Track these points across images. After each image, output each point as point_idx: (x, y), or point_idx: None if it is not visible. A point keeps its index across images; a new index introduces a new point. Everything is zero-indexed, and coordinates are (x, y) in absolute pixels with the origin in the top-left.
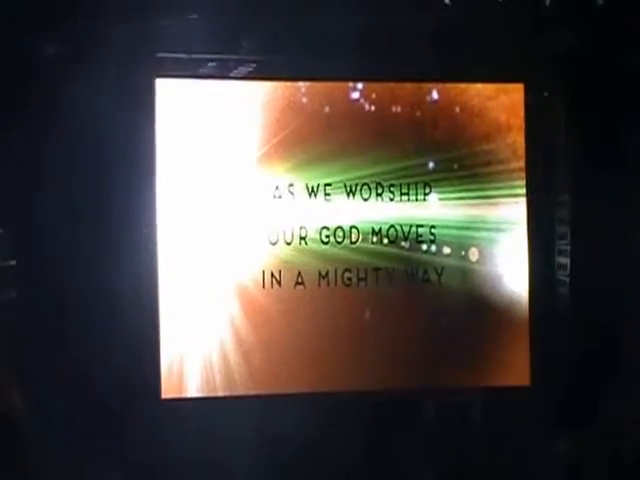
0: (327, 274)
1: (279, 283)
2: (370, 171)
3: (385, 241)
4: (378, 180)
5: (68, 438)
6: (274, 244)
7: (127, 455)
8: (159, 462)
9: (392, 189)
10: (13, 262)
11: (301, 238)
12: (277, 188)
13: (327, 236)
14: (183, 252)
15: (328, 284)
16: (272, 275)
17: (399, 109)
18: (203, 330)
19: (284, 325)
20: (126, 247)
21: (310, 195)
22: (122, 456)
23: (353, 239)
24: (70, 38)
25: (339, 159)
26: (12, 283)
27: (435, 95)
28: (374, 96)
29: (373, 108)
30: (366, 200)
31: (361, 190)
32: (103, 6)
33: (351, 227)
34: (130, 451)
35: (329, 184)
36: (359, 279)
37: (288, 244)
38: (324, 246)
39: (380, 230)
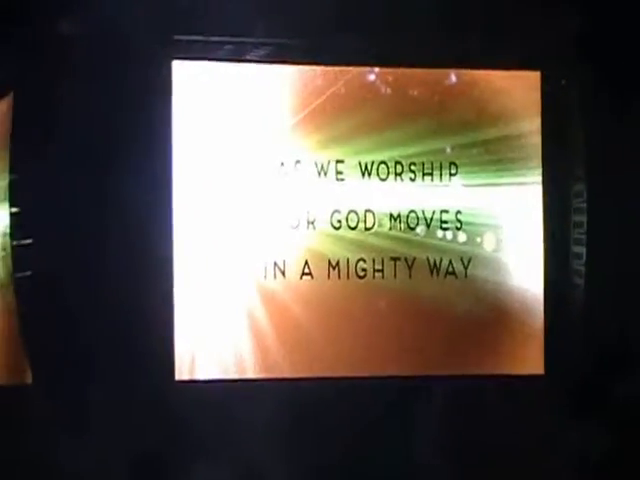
0: (338, 264)
1: (283, 274)
2: (388, 153)
3: (404, 227)
4: (397, 159)
5: (82, 419)
6: (279, 229)
7: (140, 436)
8: (172, 443)
9: (413, 168)
10: (29, 241)
11: (309, 222)
12: (282, 164)
13: (339, 221)
14: (197, 235)
15: (339, 276)
16: (275, 265)
17: (416, 92)
18: (217, 313)
19: (295, 313)
20: (140, 229)
21: (320, 174)
22: (136, 437)
23: (368, 224)
24: (87, 20)
25: (354, 140)
26: (28, 264)
27: (453, 79)
28: (391, 79)
29: (390, 90)
30: (384, 180)
31: (378, 170)
32: None
33: (366, 211)
34: (143, 432)
35: (341, 161)
36: (375, 270)
37: (294, 228)
38: (335, 232)
39: (399, 215)
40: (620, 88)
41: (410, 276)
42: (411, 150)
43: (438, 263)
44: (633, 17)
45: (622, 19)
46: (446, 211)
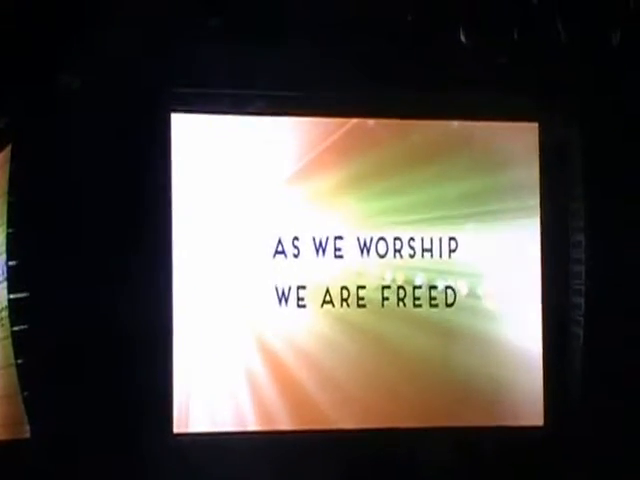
0: None
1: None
2: (387, 201)
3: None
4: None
5: (79, 473)
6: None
7: None
8: None
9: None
10: (26, 294)
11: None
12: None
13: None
14: (196, 288)
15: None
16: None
17: (413, 141)
18: (215, 366)
19: (296, 364)
20: (140, 283)
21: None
22: None
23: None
24: (86, 72)
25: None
26: (26, 317)
27: (452, 128)
28: (389, 127)
29: (390, 139)
30: (382, 257)
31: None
32: (119, 41)
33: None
34: None
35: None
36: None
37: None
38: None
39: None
40: (618, 139)
41: (409, 329)
42: (410, 198)
43: (436, 316)
44: (629, 69)
45: (618, 73)
46: (445, 262)
